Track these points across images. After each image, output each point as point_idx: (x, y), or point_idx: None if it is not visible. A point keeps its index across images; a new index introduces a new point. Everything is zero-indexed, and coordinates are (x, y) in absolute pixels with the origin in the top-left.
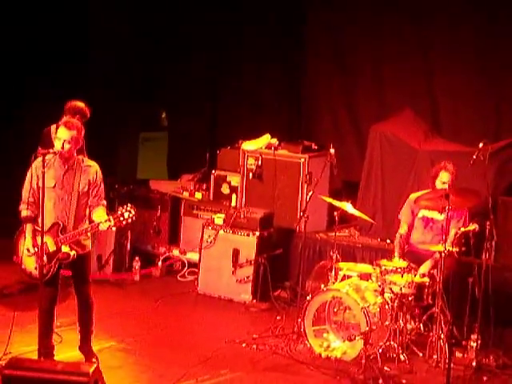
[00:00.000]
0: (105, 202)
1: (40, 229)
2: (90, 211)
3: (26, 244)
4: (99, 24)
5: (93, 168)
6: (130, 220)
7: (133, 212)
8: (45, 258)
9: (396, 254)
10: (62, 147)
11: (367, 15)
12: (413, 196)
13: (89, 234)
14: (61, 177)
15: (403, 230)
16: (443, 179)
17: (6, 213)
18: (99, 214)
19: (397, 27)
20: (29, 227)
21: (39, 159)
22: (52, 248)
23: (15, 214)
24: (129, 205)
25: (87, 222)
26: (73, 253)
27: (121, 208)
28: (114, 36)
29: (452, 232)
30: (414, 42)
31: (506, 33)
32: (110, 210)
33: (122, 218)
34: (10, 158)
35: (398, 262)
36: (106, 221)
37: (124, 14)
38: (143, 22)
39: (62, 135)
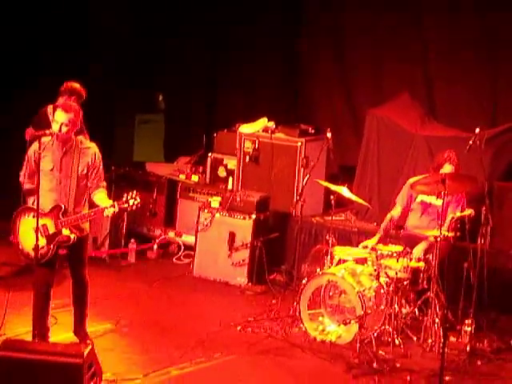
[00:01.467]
0: (105, 184)
1: (38, 209)
2: (90, 193)
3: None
4: (99, 6)
5: (91, 149)
6: (134, 207)
7: (138, 200)
8: (44, 239)
9: (378, 234)
10: (60, 130)
11: (365, 2)
12: (412, 180)
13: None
14: (59, 160)
15: (396, 211)
16: (446, 171)
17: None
18: (101, 198)
19: (394, 13)
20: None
21: (37, 142)
22: (52, 230)
23: (9, 196)
24: (134, 192)
25: (87, 203)
26: (73, 236)
27: (126, 194)
28: (113, 18)
29: (449, 217)
30: (411, 28)
31: (504, 18)
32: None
33: (126, 205)
34: (8, 142)
35: (394, 247)
36: (110, 206)
37: None
38: (143, 5)
39: (59, 118)
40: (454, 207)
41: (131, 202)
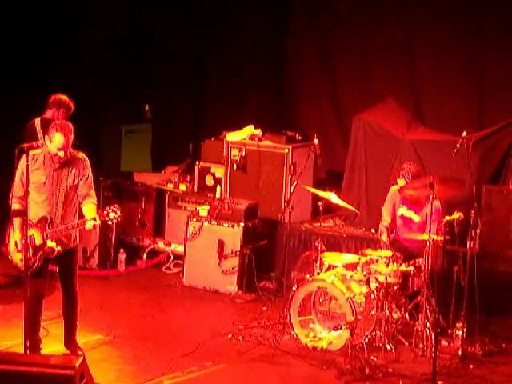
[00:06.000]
0: (94, 193)
1: (29, 222)
2: (80, 201)
3: (14, 238)
4: (86, 16)
5: (81, 159)
6: (115, 220)
7: (118, 213)
8: (30, 250)
9: (383, 245)
10: (63, 152)
11: (351, 6)
12: (394, 188)
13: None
14: (51, 173)
15: (386, 222)
16: (401, 184)
17: None
18: (88, 209)
19: (380, 17)
20: (17, 221)
21: (29, 154)
22: (38, 241)
23: (3, 207)
24: (115, 205)
25: (77, 214)
26: (58, 248)
27: (107, 208)
28: (100, 28)
29: (424, 236)
30: (398, 32)
31: (490, 20)
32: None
33: (107, 218)
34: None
35: (384, 252)
36: (92, 219)
37: (111, 5)
38: (129, 14)
39: (59, 142)
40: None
41: (111, 215)
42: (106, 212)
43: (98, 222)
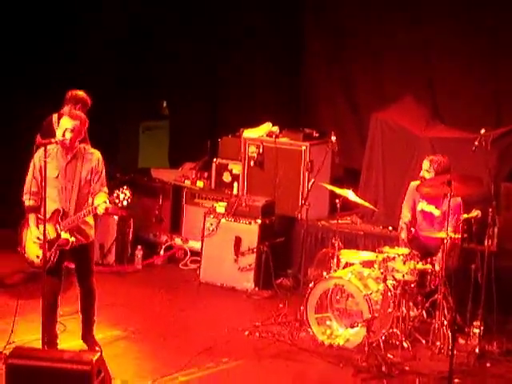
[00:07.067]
0: (106, 189)
1: (45, 215)
2: (92, 198)
3: (32, 233)
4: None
5: (95, 155)
6: (125, 202)
7: (128, 194)
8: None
9: (405, 247)
10: (63, 135)
11: (366, 4)
12: (413, 184)
13: (92, 222)
14: (64, 167)
15: (407, 218)
16: (424, 167)
17: (8, 204)
18: (98, 197)
19: (395, 15)
20: (32, 217)
21: (41, 150)
22: (52, 235)
23: (16, 205)
24: (124, 187)
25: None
26: (72, 239)
27: (116, 190)
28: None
29: (441, 234)
30: (413, 30)
31: (506, 19)
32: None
33: (117, 200)
34: (11, 151)
35: (401, 249)
36: (102, 202)
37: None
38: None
39: (64, 124)
40: (450, 220)
41: (121, 196)
42: (115, 194)
43: (109, 204)
